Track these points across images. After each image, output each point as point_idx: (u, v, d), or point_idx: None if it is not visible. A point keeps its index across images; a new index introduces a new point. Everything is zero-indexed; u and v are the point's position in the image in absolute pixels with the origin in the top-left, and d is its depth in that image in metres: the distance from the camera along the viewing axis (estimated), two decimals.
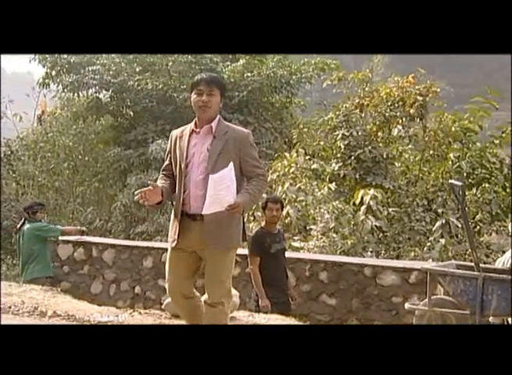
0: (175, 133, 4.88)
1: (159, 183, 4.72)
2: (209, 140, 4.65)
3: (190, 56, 18.96)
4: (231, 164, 4.47)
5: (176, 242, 4.65)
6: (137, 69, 19.70)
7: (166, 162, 4.90)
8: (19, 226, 9.87)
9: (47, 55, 19.22)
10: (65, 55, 19.14)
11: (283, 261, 7.56)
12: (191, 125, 4.78)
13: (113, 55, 20.48)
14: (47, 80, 20.09)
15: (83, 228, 10.55)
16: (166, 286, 4.81)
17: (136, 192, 4.57)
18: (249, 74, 19.11)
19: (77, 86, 19.49)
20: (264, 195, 8.07)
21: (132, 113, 20.04)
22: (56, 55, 19.13)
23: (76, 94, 20.17)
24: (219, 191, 4.39)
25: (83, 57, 19.25)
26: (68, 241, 9.99)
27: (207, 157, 4.59)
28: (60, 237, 9.99)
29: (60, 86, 20.35)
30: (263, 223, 7.51)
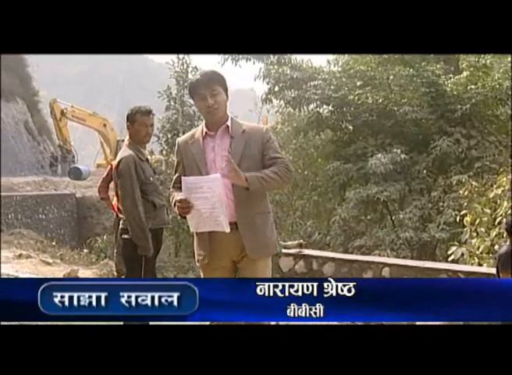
0: (180, 141, 4.49)
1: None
2: (228, 141, 4.28)
3: (411, 69, 18.71)
4: (217, 175, 4.09)
5: (207, 259, 4.34)
6: (358, 84, 19.73)
7: (175, 176, 4.49)
8: None
9: (271, 72, 19.75)
10: (288, 71, 19.58)
11: None
12: (200, 129, 4.39)
13: (334, 70, 20.71)
14: (269, 96, 20.64)
15: None
16: None
17: (179, 203, 4.15)
18: (473, 86, 18.51)
19: (299, 101, 19.83)
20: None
21: (352, 127, 20.08)
22: (280, 71, 19.61)
23: (297, 109, 20.55)
24: (194, 201, 4.08)
25: (304, 72, 19.60)
26: (289, 254, 10.15)
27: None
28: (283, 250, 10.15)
29: (282, 101, 20.85)
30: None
